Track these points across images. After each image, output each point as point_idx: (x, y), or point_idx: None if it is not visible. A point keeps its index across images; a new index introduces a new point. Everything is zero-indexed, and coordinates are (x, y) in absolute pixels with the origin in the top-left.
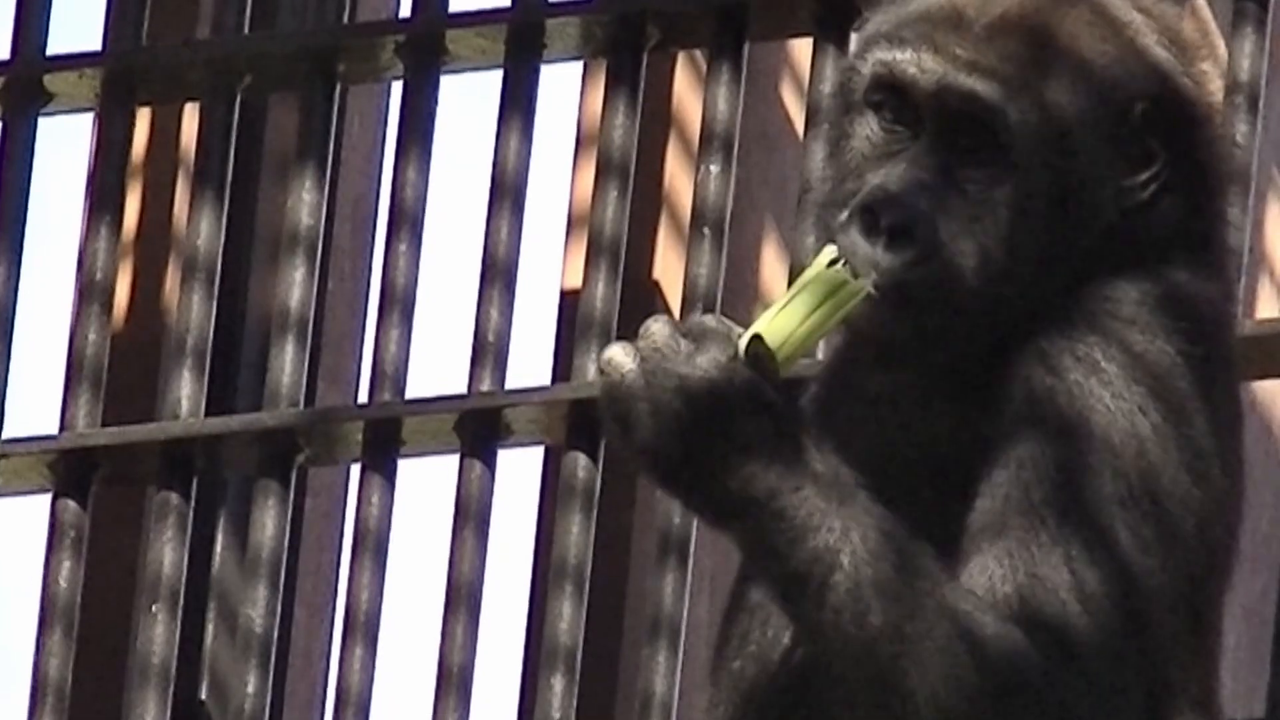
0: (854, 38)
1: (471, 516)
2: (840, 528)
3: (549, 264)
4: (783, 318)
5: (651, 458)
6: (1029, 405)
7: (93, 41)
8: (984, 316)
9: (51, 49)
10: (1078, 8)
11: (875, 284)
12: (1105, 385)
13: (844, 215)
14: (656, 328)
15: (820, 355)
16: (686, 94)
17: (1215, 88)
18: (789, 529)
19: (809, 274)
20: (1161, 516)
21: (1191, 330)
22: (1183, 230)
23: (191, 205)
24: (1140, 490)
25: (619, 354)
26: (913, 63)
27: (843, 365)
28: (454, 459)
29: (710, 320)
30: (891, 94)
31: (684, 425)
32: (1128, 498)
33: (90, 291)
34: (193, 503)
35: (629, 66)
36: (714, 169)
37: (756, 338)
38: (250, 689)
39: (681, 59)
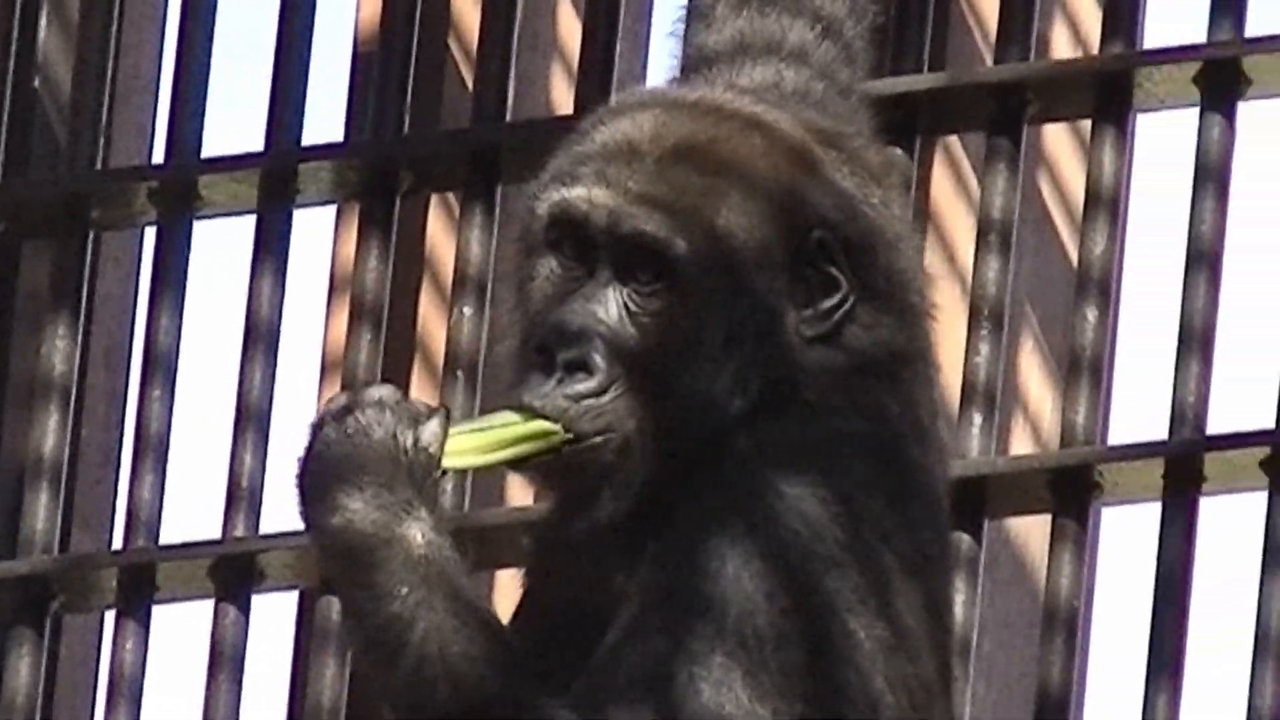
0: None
1: (226, 661)
2: (423, 600)
3: (303, 408)
4: (475, 425)
5: (300, 478)
6: (661, 545)
7: None
8: (664, 455)
9: None
10: (753, 137)
11: (564, 440)
12: (737, 532)
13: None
14: (381, 389)
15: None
16: (440, 237)
17: (900, 215)
18: (373, 586)
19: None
20: (770, 668)
21: (862, 473)
22: (870, 359)
23: None
24: (744, 640)
25: (342, 396)
26: (585, 198)
27: (550, 518)
28: (209, 604)
29: (422, 404)
30: (567, 231)
31: (326, 454)
32: (728, 646)
33: None
34: None
35: (382, 210)
36: (468, 311)
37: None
38: None
39: (435, 202)
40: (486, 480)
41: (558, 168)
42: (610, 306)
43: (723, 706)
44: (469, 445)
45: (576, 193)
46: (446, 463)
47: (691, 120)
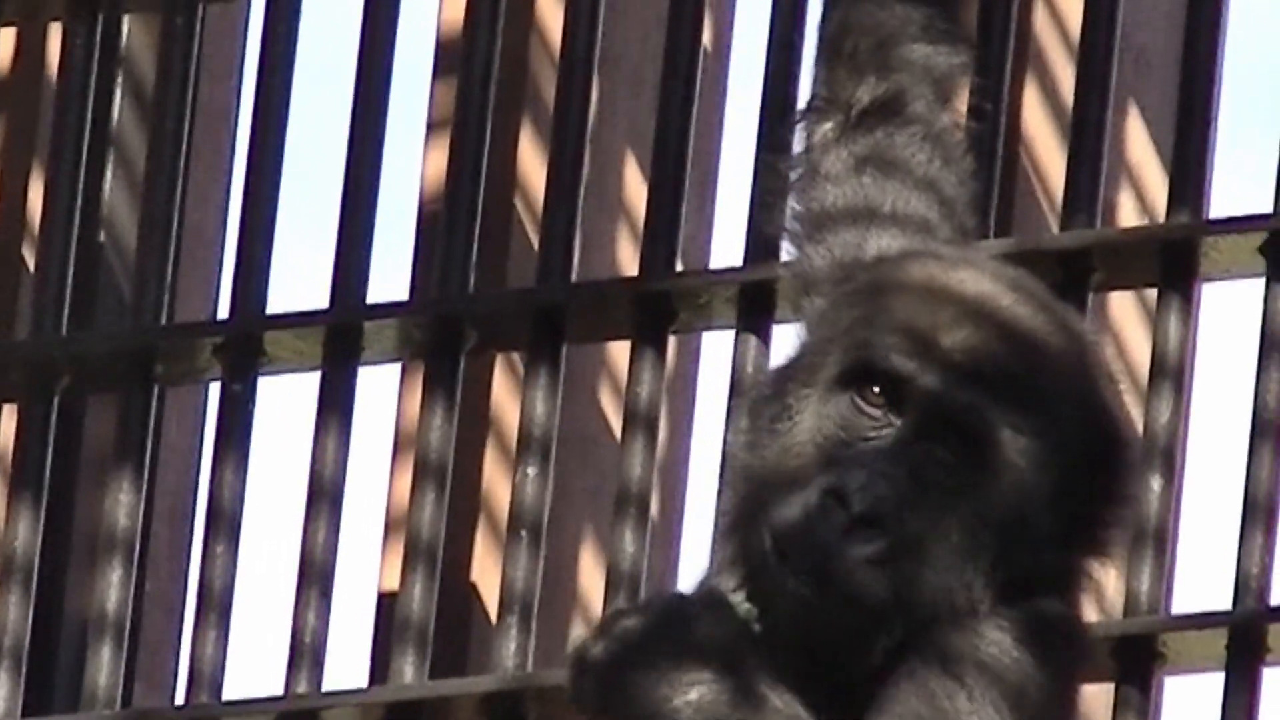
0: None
1: None
2: None
3: (366, 566)
4: None
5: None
6: (893, 691)
7: None
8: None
9: None
10: (1060, 333)
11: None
12: (972, 696)
13: (808, 494)
14: None
15: None
16: (504, 396)
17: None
18: None
19: None
20: None
21: (1063, 665)
22: (1091, 561)
23: (9, 506)
24: None
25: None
26: (913, 357)
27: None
28: None
29: None
30: (876, 380)
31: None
32: None
33: None
34: None
35: (447, 369)
36: (532, 471)
37: None
38: None
39: (499, 361)
40: (548, 639)
41: (868, 311)
42: (911, 469)
43: None
44: None
45: (898, 346)
46: None
47: (1010, 300)
